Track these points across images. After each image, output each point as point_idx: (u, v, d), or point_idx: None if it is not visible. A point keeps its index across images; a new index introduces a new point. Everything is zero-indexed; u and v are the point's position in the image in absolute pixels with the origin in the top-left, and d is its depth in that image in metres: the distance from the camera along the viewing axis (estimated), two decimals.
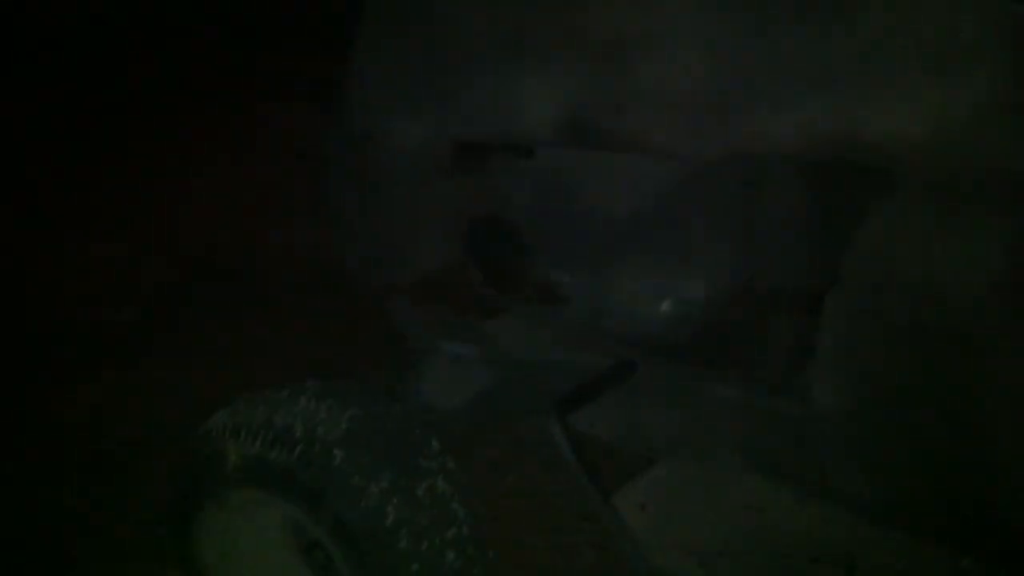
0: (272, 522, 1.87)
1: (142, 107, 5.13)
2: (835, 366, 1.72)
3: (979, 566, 1.63)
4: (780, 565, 1.67)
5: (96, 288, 3.58)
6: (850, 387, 1.71)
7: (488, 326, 2.07)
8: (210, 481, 1.89)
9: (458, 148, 2.03)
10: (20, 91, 5.10)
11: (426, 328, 2.12)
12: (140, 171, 4.44)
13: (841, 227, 1.70)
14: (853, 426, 1.72)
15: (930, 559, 1.66)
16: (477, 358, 2.03)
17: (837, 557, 1.68)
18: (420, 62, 2.07)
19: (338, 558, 1.77)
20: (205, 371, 2.92)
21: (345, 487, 1.73)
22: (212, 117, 4.94)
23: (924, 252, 1.64)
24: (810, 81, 1.67)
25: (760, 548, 1.70)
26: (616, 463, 1.83)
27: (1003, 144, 1.55)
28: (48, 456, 2.69)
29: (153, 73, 5.40)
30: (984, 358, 1.61)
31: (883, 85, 1.61)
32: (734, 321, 1.85)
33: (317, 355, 2.89)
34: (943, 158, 1.59)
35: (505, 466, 2.23)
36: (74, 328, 3.31)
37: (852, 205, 1.69)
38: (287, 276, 3.50)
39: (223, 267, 3.68)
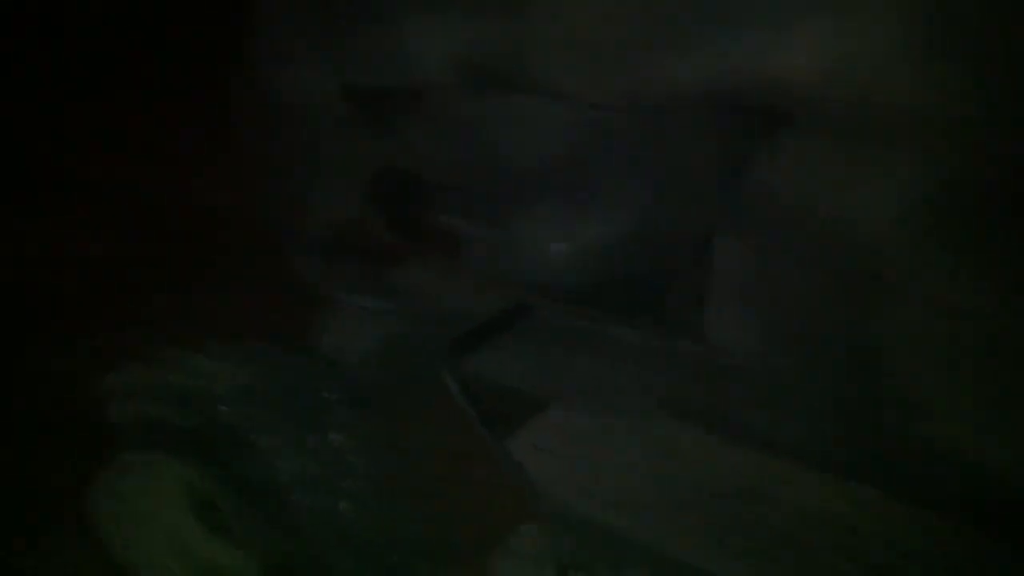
0: (167, 482, 1.83)
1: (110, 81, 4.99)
2: (733, 304, 1.69)
3: (880, 495, 1.61)
4: (681, 502, 1.64)
5: (44, 256, 3.50)
6: (747, 325, 1.68)
7: (391, 276, 2.02)
8: (105, 443, 1.84)
9: (356, 95, 1.98)
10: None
11: (330, 279, 2.07)
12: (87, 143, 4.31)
13: (741, 167, 1.67)
14: (753, 364, 1.69)
15: (833, 490, 1.63)
16: (380, 308, 1.99)
17: (740, 491, 1.65)
18: (316, 8, 2.02)
19: (233, 515, 1.73)
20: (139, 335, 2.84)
21: (238, 444, 1.69)
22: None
23: (824, 190, 1.61)
24: (708, 22, 1.63)
25: (662, 488, 1.67)
26: (516, 408, 1.79)
27: (905, 81, 1.52)
28: None
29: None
30: (887, 294, 1.59)
31: (781, 24, 1.57)
32: (636, 264, 1.81)
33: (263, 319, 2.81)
34: (843, 96, 1.56)
35: (418, 416, 2.19)
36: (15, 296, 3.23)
37: (752, 145, 1.66)
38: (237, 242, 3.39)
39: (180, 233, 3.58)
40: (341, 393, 1.78)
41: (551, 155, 1.81)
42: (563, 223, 1.82)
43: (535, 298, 1.88)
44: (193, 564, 1.88)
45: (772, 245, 1.67)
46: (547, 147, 1.81)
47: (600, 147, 1.78)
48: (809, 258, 1.64)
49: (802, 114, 1.58)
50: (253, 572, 1.74)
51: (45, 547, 2.22)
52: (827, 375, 1.66)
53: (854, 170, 1.58)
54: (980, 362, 1.55)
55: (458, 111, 1.89)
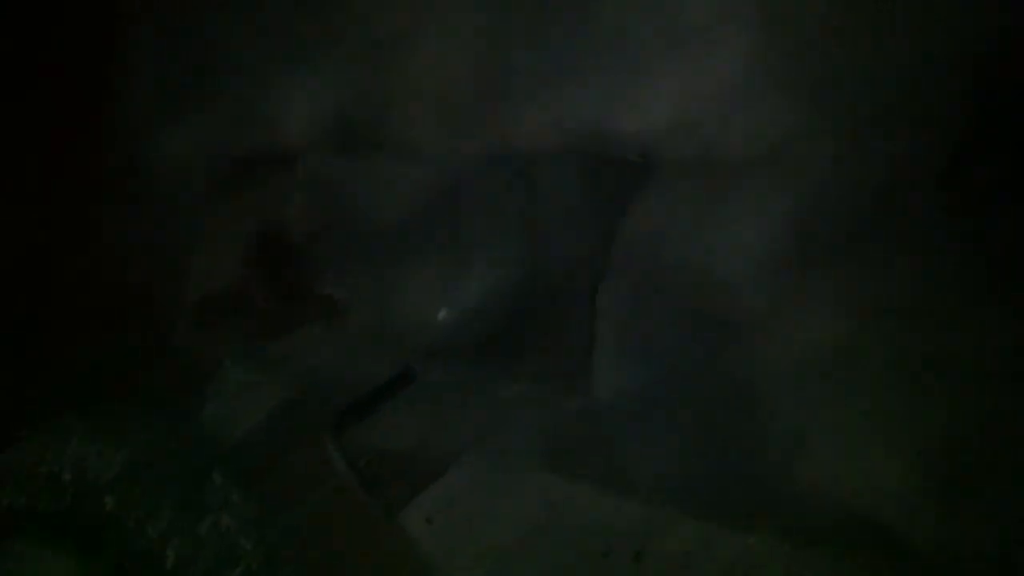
0: (52, 571, 1.76)
1: None
2: (614, 354, 1.72)
3: (764, 543, 1.66)
4: (573, 561, 1.66)
5: None
6: (628, 373, 1.72)
7: (274, 343, 1.99)
8: None
9: (228, 162, 1.94)
10: None
11: (211, 349, 2.02)
12: None
13: (607, 216, 1.71)
14: (636, 412, 1.73)
15: (717, 540, 1.67)
16: (263, 378, 1.95)
17: (627, 547, 1.67)
18: (181, 75, 1.98)
19: None
20: None
21: (120, 532, 1.64)
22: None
23: (686, 233, 1.66)
24: (562, 76, 1.66)
25: (553, 545, 1.68)
26: (407, 477, 1.78)
27: (749, 126, 1.58)
28: None
29: None
30: (752, 330, 1.64)
31: (628, 79, 1.62)
32: (517, 319, 1.82)
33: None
34: (693, 144, 1.61)
35: (316, 481, 2.16)
36: None
37: (615, 193, 1.70)
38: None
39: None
40: (226, 472, 1.75)
41: (422, 213, 1.82)
42: (443, 285, 1.83)
43: (420, 359, 1.87)
44: None
45: (646, 292, 1.71)
46: (417, 205, 1.82)
47: (471, 202, 1.80)
48: (681, 301, 1.68)
49: (657, 162, 1.64)
50: None
51: None
52: (706, 418, 1.71)
53: (711, 212, 1.64)
54: (843, 393, 1.62)
55: (329, 173, 1.88)
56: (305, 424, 1.87)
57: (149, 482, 1.70)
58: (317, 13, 1.79)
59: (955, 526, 1.54)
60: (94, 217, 2.14)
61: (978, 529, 1.52)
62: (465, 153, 1.76)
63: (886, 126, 1.56)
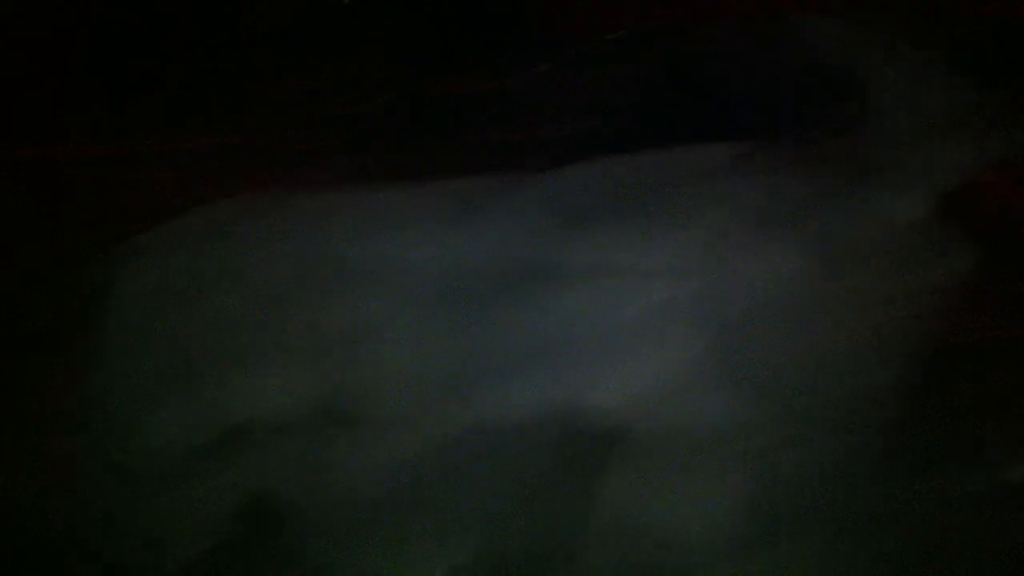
0: None
1: None
2: None
3: None
4: None
5: None
6: None
7: None
8: None
9: (209, 438, 2.01)
10: None
11: None
12: None
13: (583, 490, 1.79)
14: None
15: None
16: None
17: None
18: (157, 369, 2.05)
19: None
20: None
21: None
22: None
23: (652, 502, 1.74)
24: (531, 357, 1.76)
25: None
26: None
27: (704, 413, 1.68)
28: None
29: None
30: None
31: (588, 363, 1.72)
32: None
33: None
34: (655, 426, 1.71)
35: None
36: None
37: (590, 469, 1.79)
38: None
39: None
40: None
41: (402, 487, 1.89)
42: (425, 556, 1.89)
43: None
44: None
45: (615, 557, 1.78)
46: (396, 479, 1.90)
47: (444, 479, 1.88)
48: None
49: (623, 441, 1.74)
50: None
51: None
52: None
53: (677, 485, 1.73)
54: None
55: (312, 448, 1.96)
56: None
57: None
58: (286, 310, 1.90)
59: None
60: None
61: None
62: (438, 431, 1.84)
63: (829, 416, 1.66)
